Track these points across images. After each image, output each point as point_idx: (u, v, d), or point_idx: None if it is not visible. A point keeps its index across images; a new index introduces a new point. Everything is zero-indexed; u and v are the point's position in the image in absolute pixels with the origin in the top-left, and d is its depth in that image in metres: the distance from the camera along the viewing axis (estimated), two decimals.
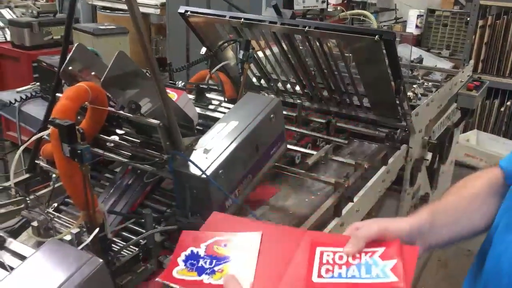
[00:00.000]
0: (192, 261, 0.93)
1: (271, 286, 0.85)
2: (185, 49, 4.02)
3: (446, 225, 0.98)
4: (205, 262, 0.92)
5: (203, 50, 2.06)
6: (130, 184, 1.37)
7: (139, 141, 1.41)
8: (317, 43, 1.80)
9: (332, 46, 1.86)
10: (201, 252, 0.94)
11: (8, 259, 0.85)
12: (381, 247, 0.87)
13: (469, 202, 1.04)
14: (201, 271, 0.90)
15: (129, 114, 1.25)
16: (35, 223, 1.15)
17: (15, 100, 2.64)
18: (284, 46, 1.89)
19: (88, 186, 1.01)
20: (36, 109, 2.76)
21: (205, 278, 0.88)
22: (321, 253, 0.89)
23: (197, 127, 1.53)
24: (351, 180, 1.49)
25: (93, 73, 1.19)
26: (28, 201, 0.98)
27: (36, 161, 1.51)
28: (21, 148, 1.23)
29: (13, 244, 0.89)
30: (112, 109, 1.27)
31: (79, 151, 0.97)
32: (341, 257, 0.87)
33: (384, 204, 1.95)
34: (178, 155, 1.25)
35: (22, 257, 0.86)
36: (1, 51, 4.05)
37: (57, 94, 1.34)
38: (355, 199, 1.52)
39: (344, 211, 1.48)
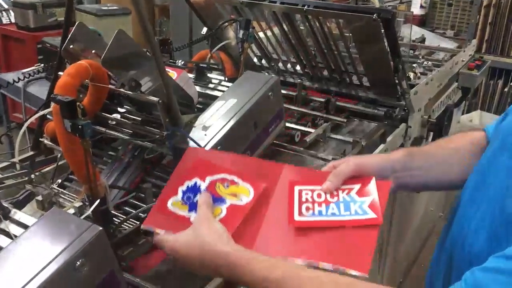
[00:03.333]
0: (190, 195, 0.93)
1: (254, 229, 0.88)
2: (189, 30, 4.02)
3: (421, 168, 1.00)
4: None
5: (204, 30, 2.07)
6: (131, 161, 1.40)
7: (139, 119, 1.44)
8: (317, 23, 1.81)
9: (332, 26, 1.87)
10: (203, 187, 0.94)
11: (12, 228, 0.89)
12: (357, 184, 0.90)
13: (449, 153, 1.06)
14: (192, 207, 0.90)
15: (129, 92, 1.28)
16: (39, 197, 1.19)
17: (18, 79, 2.68)
18: (284, 26, 1.90)
19: (89, 160, 1.04)
20: (41, 90, 2.79)
21: (192, 216, 0.89)
22: (300, 192, 0.91)
23: (197, 105, 1.56)
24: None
25: (93, 51, 1.21)
26: (33, 176, 1.01)
27: (40, 139, 1.55)
28: (25, 124, 1.27)
29: (18, 214, 0.93)
30: (113, 86, 1.29)
31: (80, 126, 1.00)
32: (319, 195, 0.90)
33: None
34: (177, 132, 1.28)
35: (25, 227, 0.90)
36: (6, 33, 4.07)
37: (60, 73, 1.37)
38: None
39: None
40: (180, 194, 0.93)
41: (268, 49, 2.13)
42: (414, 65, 2.19)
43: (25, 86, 2.80)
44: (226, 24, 1.97)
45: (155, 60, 1.17)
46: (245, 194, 0.92)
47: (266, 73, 2.18)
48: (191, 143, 1.26)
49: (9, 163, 1.25)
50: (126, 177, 1.36)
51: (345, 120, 1.82)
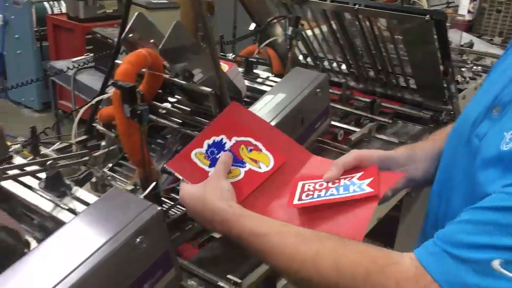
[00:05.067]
0: (214, 150, 0.96)
1: (260, 208, 0.88)
2: (233, 26, 4.07)
3: (425, 159, 0.98)
4: None
5: (252, 26, 2.10)
6: (179, 149, 1.44)
7: (189, 109, 1.48)
8: (367, 22, 1.80)
9: (382, 26, 1.86)
10: (228, 146, 0.97)
11: (74, 204, 0.94)
12: (360, 172, 0.90)
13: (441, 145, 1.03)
14: (213, 163, 0.93)
15: (183, 82, 1.31)
16: (93, 179, 1.24)
17: (68, 68, 2.79)
18: (333, 24, 1.91)
19: (145, 145, 1.08)
20: (89, 79, 2.90)
21: (211, 172, 0.92)
22: (303, 185, 0.92)
23: (245, 99, 1.59)
24: None
25: (152, 40, 1.26)
26: (88, 158, 1.06)
27: (93, 124, 1.61)
28: (83, 108, 1.32)
29: (79, 191, 0.98)
30: (167, 76, 1.33)
31: (138, 112, 1.04)
32: (321, 185, 0.91)
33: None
34: None
35: (86, 204, 0.95)
36: (57, 22, 4.21)
37: (116, 61, 1.42)
38: None
39: None
40: (205, 147, 0.96)
41: (314, 47, 2.13)
42: (463, 69, 2.15)
43: (75, 75, 2.92)
44: (275, 20, 1.99)
45: (210, 53, 1.21)
46: (264, 162, 0.95)
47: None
48: None
49: (66, 144, 1.31)
50: None
51: (390, 121, 1.81)
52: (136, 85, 1.06)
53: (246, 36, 1.92)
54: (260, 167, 0.94)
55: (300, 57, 2.24)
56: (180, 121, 1.47)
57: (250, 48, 1.99)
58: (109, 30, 3.00)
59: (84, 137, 1.58)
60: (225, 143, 0.96)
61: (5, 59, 4.57)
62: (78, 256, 0.76)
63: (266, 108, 1.39)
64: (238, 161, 0.94)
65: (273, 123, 1.34)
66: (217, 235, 1.12)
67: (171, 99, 1.51)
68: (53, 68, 3.10)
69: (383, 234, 2.18)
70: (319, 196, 0.87)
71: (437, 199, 0.90)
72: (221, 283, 0.97)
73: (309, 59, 2.23)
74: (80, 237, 0.80)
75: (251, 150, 0.96)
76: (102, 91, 1.51)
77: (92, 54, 3.09)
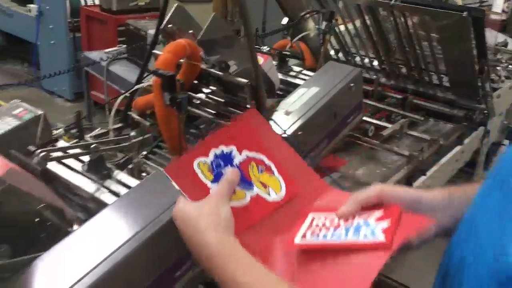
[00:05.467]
0: (220, 162, 0.80)
1: (259, 243, 0.76)
2: (262, 21, 4.08)
3: (462, 209, 0.78)
4: None
5: (285, 20, 2.11)
6: None
7: (223, 100, 1.50)
8: (402, 18, 1.79)
9: (417, 22, 1.85)
10: (237, 161, 0.81)
11: (115, 187, 0.97)
12: (379, 210, 0.76)
13: None
14: (217, 178, 0.78)
15: (219, 73, 1.34)
16: (130, 165, 1.28)
17: (101, 59, 2.85)
18: (367, 20, 1.91)
19: (182, 132, 1.11)
20: (122, 69, 2.96)
21: (213, 189, 0.77)
22: (312, 219, 0.80)
23: (277, 91, 1.60)
24: (425, 155, 1.51)
25: (190, 31, 1.28)
26: (129, 144, 1.09)
27: (128, 113, 1.65)
28: (121, 97, 1.36)
29: (120, 175, 1.01)
30: (204, 66, 1.36)
31: (178, 100, 1.07)
32: (332, 221, 0.77)
33: (454, 185, 1.95)
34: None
35: (127, 186, 0.98)
36: (90, 14, 4.29)
37: (154, 51, 1.45)
38: (427, 173, 1.54)
39: (415, 185, 1.51)
40: (211, 157, 0.80)
41: (346, 42, 2.13)
42: (498, 67, 2.12)
43: (108, 65, 2.98)
44: (308, 15, 2.00)
45: (248, 45, 1.22)
46: (275, 189, 0.80)
47: None
48: (273, 128, 1.31)
49: (105, 130, 1.35)
50: None
51: (422, 118, 1.80)
52: (175, 74, 1.08)
53: (278, 30, 1.93)
54: (269, 194, 0.79)
55: (332, 52, 2.24)
56: (214, 111, 1.49)
57: (282, 42, 2.00)
58: (142, 22, 3.05)
59: (119, 125, 1.62)
60: (234, 156, 0.81)
61: (39, 49, 4.68)
62: (120, 237, 0.79)
63: (299, 101, 1.41)
64: (245, 182, 0.79)
65: (306, 116, 1.35)
66: None
67: (205, 90, 1.54)
68: (87, 58, 3.17)
69: None
70: (324, 237, 0.74)
71: (453, 250, 0.75)
72: None
73: (340, 55, 2.23)
74: (123, 218, 0.83)
75: (262, 171, 0.81)
76: (139, 80, 1.55)
77: (124, 46, 3.15)
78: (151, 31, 2.86)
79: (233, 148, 0.82)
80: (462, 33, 1.59)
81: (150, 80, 1.46)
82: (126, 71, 2.88)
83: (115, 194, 0.96)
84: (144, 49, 2.89)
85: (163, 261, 0.83)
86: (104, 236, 0.80)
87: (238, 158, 0.81)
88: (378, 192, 0.78)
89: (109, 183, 0.98)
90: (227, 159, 0.81)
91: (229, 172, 0.79)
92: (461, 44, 1.64)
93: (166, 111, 1.12)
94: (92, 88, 4.09)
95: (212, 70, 1.36)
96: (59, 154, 1.00)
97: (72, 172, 1.01)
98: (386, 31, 1.94)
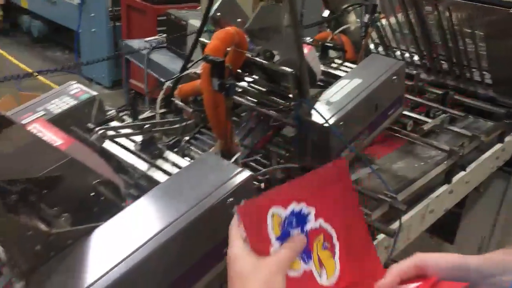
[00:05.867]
0: (293, 221, 0.74)
1: None
2: (299, 14, 4.09)
3: None
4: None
5: (326, 12, 2.12)
6: (253, 128, 1.50)
7: (264, 89, 1.53)
8: (447, 13, 1.78)
9: (461, 18, 1.83)
10: (309, 226, 0.76)
11: (166, 166, 1.02)
12: (416, 284, 0.71)
13: None
14: (283, 237, 0.72)
15: (263, 61, 1.37)
16: (175, 149, 1.32)
17: (144, 47, 2.92)
18: (411, 14, 1.90)
19: (229, 118, 1.14)
20: (162, 58, 3.03)
21: (275, 246, 0.71)
22: None
23: (318, 82, 1.62)
24: (466, 150, 1.51)
25: (239, 20, 1.31)
26: (179, 126, 1.13)
27: (172, 99, 1.70)
28: (169, 81, 1.40)
29: (171, 155, 1.06)
30: (249, 55, 1.39)
31: (227, 85, 1.10)
32: None
33: (492, 183, 1.93)
34: (304, 103, 1.35)
35: (178, 166, 1.02)
36: (131, 3, 4.38)
37: (201, 39, 1.49)
38: (467, 169, 1.54)
39: (454, 180, 1.51)
40: (288, 211, 0.73)
41: (387, 36, 2.13)
42: None
43: (149, 54, 3.05)
44: (350, 8, 2.00)
45: (294, 35, 1.25)
46: (328, 272, 0.75)
47: None
48: (315, 117, 1.33)
49: (152, 114, 1.40)
50: (247, 142, 1.45)
51: (462, 114, 1.79)
52: (224, 60, 1.11)
53: (320, 22, 1.95)
54: (320, 276, 0.73)
55: (371, 46, 2.24)
56: (255, 100, 1.53)
57: (323, 34, 2.01)
58: (182, 12, 3.11)
59: (163, 110, 1.67)
60: (309, 221, 0.75)
61: (80, 37, 4.81)
62: (173, 213, 0.83)
63: (341, 92, 1.42)
64: (306, 253, 0.73)
65: (348, 107, 1.37)
66: None
67: (247, 79, 1.57)
68: (128, 46, 3.25)
69: (444, 229, 2.16)
70: None
71: None
72: None
73: (380, 49, 2.23)
74: (176, 195, 0.87)
75: (325, 248, 0.75)
76: (184, 68, 1.59)
77: (164, 35, 3.21)
78: (192, 21, 2.91)
79: (311, 211, 0.76)
80: (509, 30, 1.57)
81: (195, 68, 1.50)
82: (166, 59, 2.95)
83: (166, 172, 1.00)
84: (184, 38, 2.95)
85: (211, 240, 0.86)
86: (156, 212, 0.84)
87: (311, 224, 0.75)
88: (418, 262, 0.73)
89: (160, 162, 1.03)
90: (301, 220, 0.75)
91: (298, 240, 0.73)
92: (507, 41, 1.62)
93: (214, 97, 1.16)
94: (130, 77, 4.19)
95: (256, 58, 1.39)
96: (115, 132, 1.04)
97: (125, 150, 1.06)
98: (429, 26, 1.93)
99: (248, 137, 1.47)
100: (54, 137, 0.86)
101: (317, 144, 1.34)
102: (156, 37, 3.26)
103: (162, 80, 2.73)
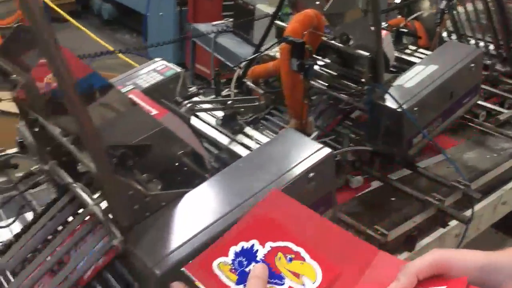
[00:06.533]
0: (243, 260, 0.71)
1: None
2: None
3: None
4: None
5: None
6: (324, 111, 1.52)
7: (336, 73, 1.55)
8: None
9: None
10: (261, 254, 0.72)
11: (246, 141, 1.06)
12: (441, 286, 0.62)
13: None
14: (242, 278, 0.69)
15: (339, 44, 1.38)
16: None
17: (212, 31, 2.99)
18: (490, 2, 1.84)
19: (307, 98, 1.17)
20: (229, 42, 3.09)
21: None
22: None
23: (391, 68, 1.61)
24: None
25: (317, 2, 1.33)
26: (258, 103, 1.17)
27: (243, 80, 1.74)
28: (244, 62, 1.45)
29: (251, 131, 1.10)
30: (324, 38, 1.41)
31: (306, 66, 1.13)
32: None
33: None
34: (377, 88, 1.35)
35: (258, 142, 1.06)
36: None
37: (276, 22, 1.52)
38: None
39: None
40: (231, 255, 0.71)
41: (462, 24, 2.07)
42: None
43: (215, 37, 3.12)
44: None
45: (373, 19, 1.25)
46: (310, 276, 0.70)
47: None
48: (388, 102, 1.33)
49: (226, 94, 1.45)
50: (318, 124, 1.48)
51: None
52: (305, 42, 1.14)
53: (393, 8, 1.92)
54: (303, 284, 0.68)
55: (444, 34, 2.18)
56: (326, 84, 1.54)
57: (396, 20, 1.98)
58: None
59: (235, 91, 1.73)
60: (257, 250, 0.72)
61: (148, 20, 4.96)
62: (256, 184, 0.87)
63: (416, 78, 1.41)
64: (274, 276, 0.70)
65: (423, 93, 1.36)
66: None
67: (319, 62, 1.59)
68: (196, 30, 3.33)
69: (510, 225, 2.09)
70: None
71: None
72: (369, 231, 1.04)
73: (453, 37, 2.17)
74: (259, 167, 0.91)
75: (291, 260, 0.71)
76: (258, 49, 1.63)
77: (231, 19, 3.26)
78: (259, 6, 2.95)
79: (254, 242, 0.73)
80: None
81: (271, 49, 1.54)
82: (233, 44, 3.00)
83: (247, 147, 1.04)
84: (252, 23, 3.00)
85: None
86: (240, 183, 0.88)
87: (262, 252, 0.72)
88: (438, 259, 0.62)
89: (240, 137, 1.07)
90: (249, 255, 0.71)
91: (256, 269, 0.68)
92: None
93: (292, 77, 1.19)
94: (195, 61, 4.29)
95: (332, 42, 1.40)
96: (202, 106, 1.10)
97: (207, 125, 1.12)
98: (508, 14, 1.86)
99: (319, 120, 1.49)
100: (149, 108, 0.93)
101: (389, 129, 1.34)
102: (223, 21, 3.32)
103: (229, 63, 2.80)
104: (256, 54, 1.50)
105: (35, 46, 0.84)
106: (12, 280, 0.95)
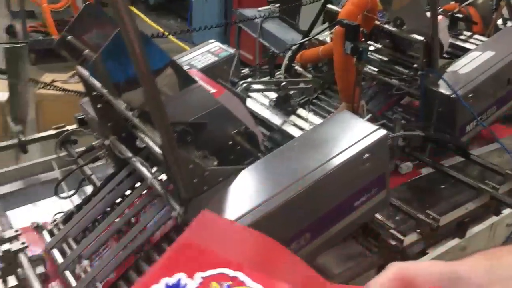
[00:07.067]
0: None
1: None
2: None
3: None
4: None
5: None
6: (374, 96, 1.51)
7: (386, 59, 1.53)
8: None
9: None
10: (191, 287, 0.61)
11: (300, 122, 1.07)
12: None
13: None
14: None
15: (393, 28, 1.36)
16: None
17: (259, 16, 2.99)
18: None
19: (359, 81, 1.17)
20: (275, 28, 3.08)
21: None
22: None
23: (444, 54, 1.58)
24: None
25: None
26: (311, 86, 1.18)
27: (292, 65, 1.75)
28: (295, 45, 1.45)
29: (304, 112, 1.11)
30: (378, 22, 1.39)
31: (360, 49, 1.13)
32: None
33: None
34: (431, 73, 1.33)
35: (311, 123, 1.07)
36: None
37: (328, 5, 1.52)
38: None
39: None
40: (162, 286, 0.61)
41: None
42: None
43: (261, 23, 3.12)
44: None
45: (431, 2, 1.23)
46: None
47: None
48: (442, 88, 1.31)
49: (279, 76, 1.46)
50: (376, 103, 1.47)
51: None
52: (360, 25, 1.14)
53: None
54: None
55: (499, 22, 2.11)
56: (376, 69, 1.53)
57: (451, 6, 1.93)
58: None
59: (285, 74, 1.74)
60: (186, 284, 0.61)
61: (193, 5, 5.02)
62: (312, 163, 0.88)
63: (471, 64, 1.38)
64: None
65: (478, 80, 1.33)
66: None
67: (370, 48, 1.57)
68: (242, 15, 3.34)
69: None
70: None
71: None
72: (420, 216, 1.04)
73: (508, 24, 2.09)
74: (315, 147, 0.92)
75: (229, 286, 0.62)
76: (308, 33, 1.64)
77: (277, 5, 3.25)
78: None
79: (180, 276, 0.62)
80: None
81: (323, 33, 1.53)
82: (279, 29, 3.00)
83: (300, 128, 1.06)
84: (298, 8, 2.98)
85: (344, 191, 0.91)
86: (296, 162, 0.90)
87: (192, 286, 0.61)
88: (400, 272, 0.57)
89: (293, 118, 1.09)
90: None
91: None
92: None
93: (345, 60, 1.19)
94: (239, 47, 4.31)
95: (386, 26, 1.39)
96: (257, 86, 1.12)
97: (260, 105, 1.14)
98: None
99: (369, 104, 1.48)
100: (208, 86, 0.95)
101: (442, 115, 1.32)
102: (269, 7, 3.31)
103: (274, 49, 2.79)
104: (307, 38, 1.50)
105: (102, 23, 0.88)
106: (75, 246, 1.01)
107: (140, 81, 0.68)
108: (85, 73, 0.93)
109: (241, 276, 0.62)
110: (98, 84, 0.89)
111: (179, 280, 0.60)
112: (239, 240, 0.68)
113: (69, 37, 0.86)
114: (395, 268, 0.57)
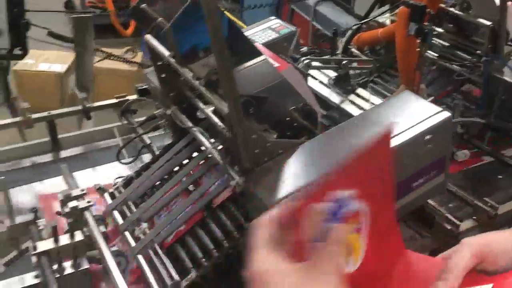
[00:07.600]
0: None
1: None
2: None
3: None
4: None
5: None
6: (433, 80, 1.48)
7: (448, 44, 1.49)
8: None
9: None
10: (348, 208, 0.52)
11: (359, 101, 1.07)
12: (488, 285, 0.55)
13: None
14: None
15: (459, 12, 1.33)
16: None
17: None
18: None
19: (422, 63, 1.15)
20: (328, 10, 3.05)
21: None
22: None
23: (510, 42, 1.53)
24: None
25: None
26: (372, 66, 1.17)
27: (348, 46, 1.73)
28: (355, 26, 1.44)
29: (363, 92, 1.11)
30: (443, 5, 1.36)
31: (425, 31, 1.11)
32: None
33: None
34: (496, 60, 1.29)
35: (371, 103, 1.07)
36: None
37: None
38: None
39: None
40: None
41: None
42: None
43: (315, 5, 3.09)
44: None
45: None
46: (355, 255, 0.57)
47: None
48: (507, 75, 1.27)
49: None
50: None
51: None
52: (426, 6, 1.11)
53: None
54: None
55: None
56: (436, 54, 1.50)
57: None
58: None
59: (343, 55, 1.72)
60: (347, 204, 0.54)
61: None
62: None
63: None
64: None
65: None
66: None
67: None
68: None
69: None
70: None
71: None
72: (477, 203, 1.02)
73: None
74: (373, 126, 0.91)
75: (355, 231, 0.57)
76: (366, 16, 1.62)
77: None
78: None
79: (351, 193, 0.54)
80: None
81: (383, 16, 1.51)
82: (333, 13, 2.96)
83: (359, 107, 1.06)
84: None
85: (403, 172, 0.90)
86: (355, 139, 0.90)
87: (351, 206, 0.55)
88: (478, 249, 0.58)
89: (352, 97, 1.09)
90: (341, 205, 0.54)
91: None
92: None
93: (408, 42, 1.17)
94: None
95: (451, 9, 1.35)
96: (318, 63, 1.12)
97: (319, 83, 1.14)
98: None
99: (428, 88, 1.46)
100: (272, 60, 0.96)
101: (505, 103, 1.28)
102: None
103: (327, 33, 2.76)
104: (367, 19, 1.48)
105: None
106: (134, 210, 1.06)
107: (213, 51, 0.70)
108: (154, 42, 0.96)
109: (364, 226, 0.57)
110: (166, 53, 0.92)
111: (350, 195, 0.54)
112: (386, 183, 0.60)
113: (142, 5, 0.89)
114: (473, 244, 0.59)
